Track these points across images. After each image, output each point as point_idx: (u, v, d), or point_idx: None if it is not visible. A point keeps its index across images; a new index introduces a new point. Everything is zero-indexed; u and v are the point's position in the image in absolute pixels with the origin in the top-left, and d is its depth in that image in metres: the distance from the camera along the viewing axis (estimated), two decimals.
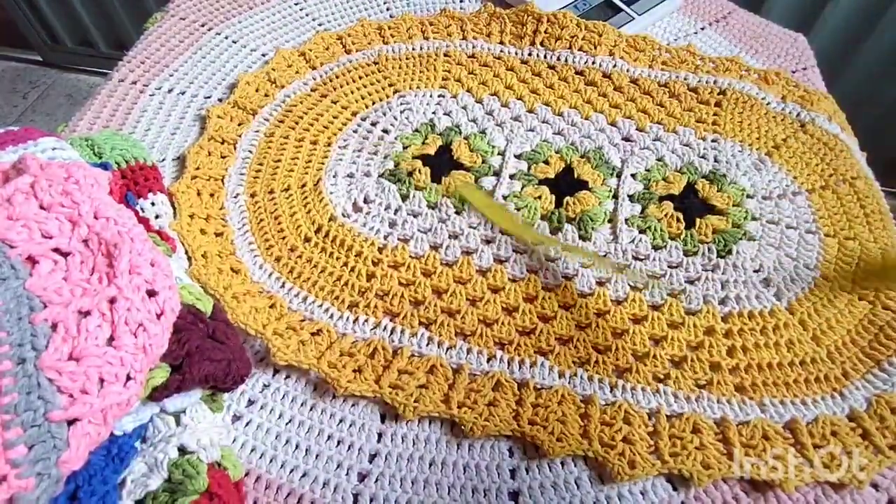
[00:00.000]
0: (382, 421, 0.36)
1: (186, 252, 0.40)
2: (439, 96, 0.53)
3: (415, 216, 0.45)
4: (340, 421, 0.36)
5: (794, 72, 0.58)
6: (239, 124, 0.49)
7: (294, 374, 0.37)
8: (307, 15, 0.60)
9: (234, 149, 0.48)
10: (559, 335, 0.39)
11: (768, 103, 0.52)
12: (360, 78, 0.54)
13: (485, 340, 0.39)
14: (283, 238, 0.43)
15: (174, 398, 0.30)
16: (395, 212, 0.45)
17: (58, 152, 0.35)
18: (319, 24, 0.60)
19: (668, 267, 0.42)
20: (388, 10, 0.61)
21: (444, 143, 0.49)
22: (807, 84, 0.55)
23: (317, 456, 0.34)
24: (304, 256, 0.42)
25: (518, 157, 0.49)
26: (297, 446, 0.35)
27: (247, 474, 0.34)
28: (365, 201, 0.45)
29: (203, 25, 0.58)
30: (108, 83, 0.52)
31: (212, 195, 0.45)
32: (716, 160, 0.48)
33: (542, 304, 0.40)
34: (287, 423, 0.36)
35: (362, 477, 0.34)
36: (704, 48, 0.59)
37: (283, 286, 0.41)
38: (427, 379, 0.37)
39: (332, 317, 0.39)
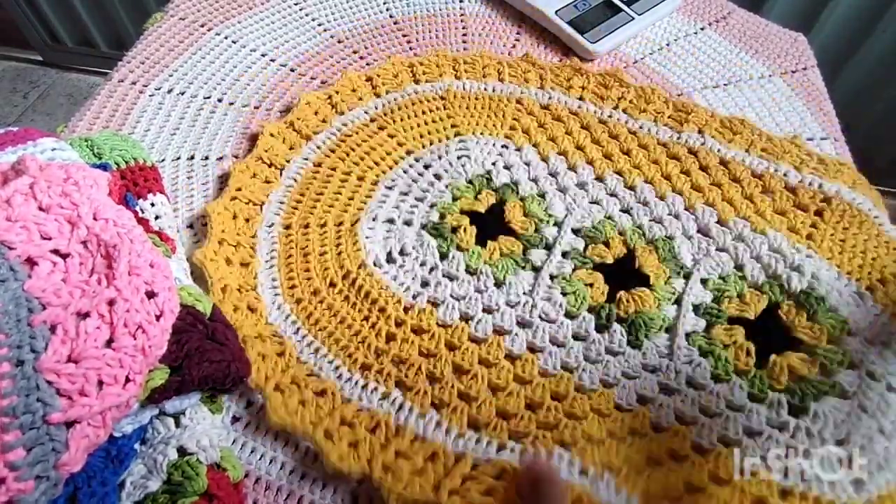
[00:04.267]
0: None
1: (209, 282, 0.38)
2: (502, 146, 0.49)
3: (450, 279, 0.41)
4: None
5: (793, 72, 0.58)
6: (290, 148, 0.47)
7: None
8: (307, 15, 0.60)
9: (280, 175, 0.46)
10: (589, 434, 0.34)
11: (881, 224, 0.43)
12: (424, 113, 0.51)
13: (498, 433, 0.34)
14: (308, 279, 0.40)
15: (173, 400, 0.30)
16: (431, 270, 0.41)
17: (57, 153, 0.35)
18: (319, 24, 0.59)
19: (727, 408, 0.35)
20: (387, 10, 0.61)
21: (498, 200, 0.45)
22: (808, 85, 0.54)
23: (316, 457, 0.34)
24: (325, 302, 0.39)
25: (576, 231, 0.43)
26: (296, 447, 0.35)
27: (246, 475, 0.33)
28: (401, 253, 0.42)
29: (203, 26, 0.58)
30: (108, 83, 0.52)
31: (247, 220, 0.42)
32: (813, 276, 0.40)
33: (573, 404, 0.35)
34: None
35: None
36: (705, 49, 0.59)
37: (297, 331, 0.38)
38: (424, 466, 0.33)
39: (340, 377, 0.36)
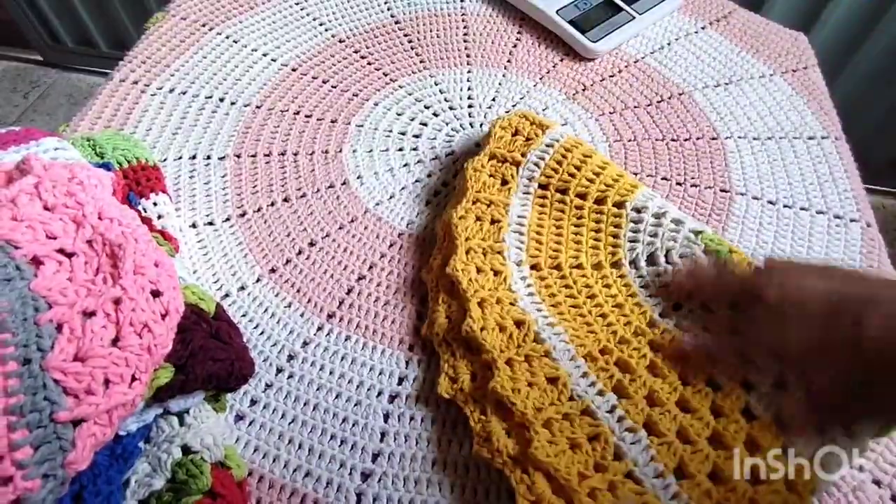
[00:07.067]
0: (385, 420, 0.36)
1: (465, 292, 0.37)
2: None
3: None
4: (343, 420, 0.36)
5: (794, 71, 0.58)
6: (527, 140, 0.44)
7: (297, 374, 0.38)
8: (308, 15, 0.60)
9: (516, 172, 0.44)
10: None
11: None
12: None
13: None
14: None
15: (178, 398, 0.30)
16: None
17: (60, 152, 0.35)
18: (320, 24, 0.59)
19: None
20: (389, 9, 0.61)
21: None
22: (808, 84, 0.54)
23: (320, 455, 0.35)
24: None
25: None
26: (300, 446, 0.35)
27: (250, 474, 0.34)
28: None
29: (204, 25, 0.58)
30: (110, 83, 0.52)
31: (494, 223, 0.41)
32: None
33: None
34: (290, 423, 0.36)
35: (365, 476, 0.34)
36: (705, 48, 0.59)
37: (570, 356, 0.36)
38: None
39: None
